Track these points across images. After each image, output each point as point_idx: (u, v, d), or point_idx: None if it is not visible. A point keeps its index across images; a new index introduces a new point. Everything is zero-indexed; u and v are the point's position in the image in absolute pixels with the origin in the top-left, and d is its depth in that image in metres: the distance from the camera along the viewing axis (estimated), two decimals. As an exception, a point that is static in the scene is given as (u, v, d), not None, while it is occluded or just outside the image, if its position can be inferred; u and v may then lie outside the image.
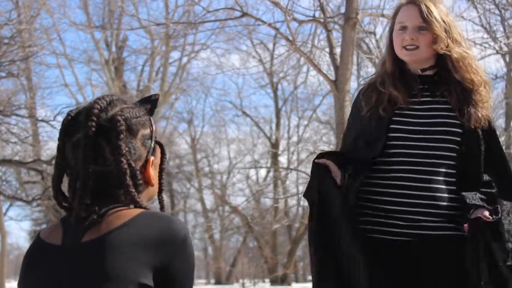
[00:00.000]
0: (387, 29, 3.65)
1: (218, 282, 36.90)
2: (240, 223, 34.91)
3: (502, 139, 26.79)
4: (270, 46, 26.52)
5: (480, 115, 3.33)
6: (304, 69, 27.24)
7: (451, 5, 21.06)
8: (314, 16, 10.24)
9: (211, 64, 26.74)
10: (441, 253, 3.24)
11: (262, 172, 35.16)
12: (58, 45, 32.05)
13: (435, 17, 3.33)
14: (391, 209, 3.25)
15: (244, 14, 9.61)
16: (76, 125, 1.97)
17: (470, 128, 3.31)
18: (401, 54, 3.38)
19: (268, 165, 31.07)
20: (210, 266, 41.47)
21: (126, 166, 1.94)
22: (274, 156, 29.83)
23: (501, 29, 22.27)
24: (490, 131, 3.38)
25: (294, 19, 10.06)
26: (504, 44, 22.78)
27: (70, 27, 26.95)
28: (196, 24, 10.69)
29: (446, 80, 3.38)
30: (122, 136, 1.95)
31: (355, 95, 3.61)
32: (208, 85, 32.19)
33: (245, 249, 38.44)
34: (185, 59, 24.99)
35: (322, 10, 10.20)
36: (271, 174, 31.44)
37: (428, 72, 3.41)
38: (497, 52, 22.28)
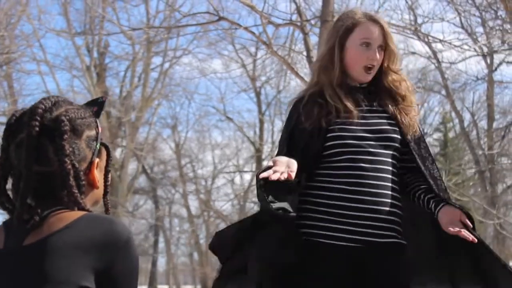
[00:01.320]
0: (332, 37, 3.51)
1: (204, 287, 36.81)
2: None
3: (484, 141, 26.90)
4: (253, 50, 26.55)
5: (413, 122, 3.44)
6: (287, 73, 27.25)
7: (432, 7, 21.16)
8: (291, 19, 10.25)
9: (194, 69, 26.71)
10: (386, 261, 3.28)
11: (247, 176, 35.18)
12: (38, 51, 31.96)
13: (392, 39, 3.43)
14: (339, 214, 3.24)
15: (221, 18, 9.61)
16: (20, 125, 1.96)
17: (408, 135, 3.41)
18: (359, 73, 3.40)
19: (253, 169, 31.08)
20: (196, 272, 41.36)
21: (69, 166, 1.93)
22: (258, 161, 29.82)
23: (482, 30, 22.39)
24: (421, 137, 3.50)
25: (271, 23, 10.08)
26: (485, 45, 22.91)
27: (51, 34, 26.83)
28: (172, 29, 10.67)
29: (379, 90, 3.46)
30: (66, 136, 1.94)
31: (290, 106, 3.53)
32: (191, 90, 32.21)
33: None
34: (167, 65, 25.00)
35: (299, 13, 10.22)
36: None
37: (363, 84, 3.47)
38: (478, 54, 22.41)
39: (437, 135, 32.48)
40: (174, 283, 38.76)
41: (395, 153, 3.37)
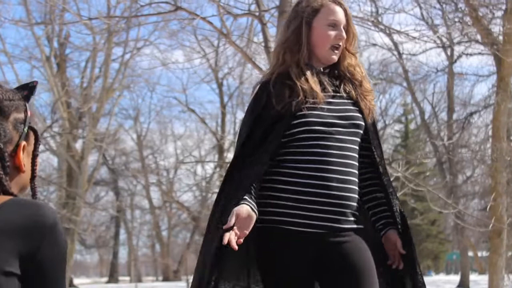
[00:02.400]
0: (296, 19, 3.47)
1: (166, 279, 36.80)
2: (187, 219, 34.87)
3: (444, 132, 27.13)
4: (215, 41, 26.47)
5: (372, 106, 3.47)
6: (249, 64, 27.20)
7: (394, 0, 21.24)
8: (249, 10, 10.21)
9: (155, 60, 26.59)
10: (357, 241, 3.30)
11: (210, 168, 35.16)
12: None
13: (352, 20, 3.47)
14: (306, 201, 3.24)
15: (178, 8, 9.54)
16: None
17: (368, 121, 3.44)
18: (326, 53, 3.39)
19: (215, 160, 31.04)
20: (158, 263, 41.32)
21: None
22: (220, 152, 29.82)
23: (442, 23, 22.55)
24: (374, 122, 3.54)
25: (229, 13, 10.03)
26: (445, 37, 23.09)
27: (9, 24, 26.49)
28: (130, 18, 10.59)
29: (340, 76, 3.47)
30: None
31: (256, 88, 3.46)
32: (153, 81, 32.08)
33: (193, 245, 38.34)
34: (128, 56, 24.85)
35: (258, 3, 10.17)
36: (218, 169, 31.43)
37: (326, 70, 3.47)
38: (438, 46, 22.59)
39: (398, 126, 32.79)
40: (136, 275, 38.64)
41: (358, 139, 3.39)
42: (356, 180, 3.33)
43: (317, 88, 3.32)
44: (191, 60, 23.54)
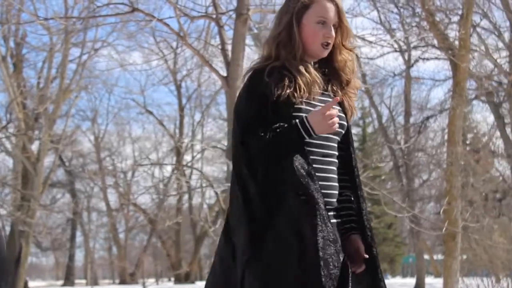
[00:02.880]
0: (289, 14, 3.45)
1: (122, 281, 36.53)
2: (145, 221, 34.70)
3: (401, 137, 27.35)
4: (174, 43, 26.38)
5: (354, 106, 3.48)
6: (206, 66, 27.14)
7: (352, 4, 21.39)
8: (206, 12, 10.19)
9: (113, 61, 26.40)
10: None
11: (167, 170, 35.01)
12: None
13: (345, 17, 3.44)
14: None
15: (134, 9, 9.48)
16: None
17: (349, 122, 3.46)
18: (318, 49, 3.38)
19: (173, 163, 30.94)
20: (115, 266, 41.03)
21: None
22: (178, 154, 29.70)
23: (400, 27, 22.73)
24: (350, 128, 3.53)
25: (186, 15, 9.99)
26: (403, 42, 23.28)
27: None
28: (86, 19, 10.50)
29: (329, 73, 3.46)
30: None
31: (249, 75, 3.39)
32: (111, 82, 31.90)
33: (150, 248, 38.18)
34: (85, 56, 24.64)
35: (215, 6, 10.15)
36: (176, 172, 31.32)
37: (316, 64, 3.45)
38: (396, 50, 22.76)
39: (356, 130, 32.94)
40: (92, 278, 38.33)
41: (339, 139, 3.40)
42: (336, 177, 3.34)
43: (314, 83, 3.31)
44: (149, 62, 23.43)
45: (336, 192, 3.35)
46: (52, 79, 24.59)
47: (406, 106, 26.26)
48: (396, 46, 22.61)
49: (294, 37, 3.37)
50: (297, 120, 3.21)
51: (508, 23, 21.13)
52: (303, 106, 3.28)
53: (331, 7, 3.39)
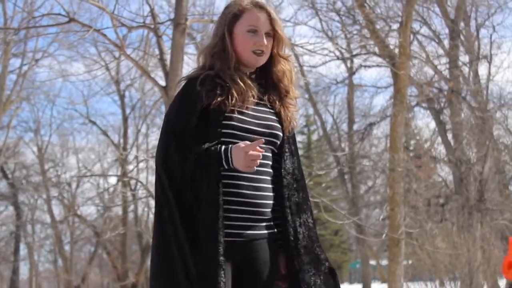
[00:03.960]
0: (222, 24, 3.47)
1: (68, 294, 36.10)
2: (90, 233, 34.38)
3: (345, 144, 27.53)
4: (117, 53, 26.17)
5: (292, 117, 3.48)
6: (145, 76, 27.00)
7: (294, 12, 21.49)
8: (144, 22, 10.14)
9: (55, 71, 26.13)
10: (263, 253, 3.32)
11: (112, 181, 34.74)
12: None
13: (280, 25, 3.43)
14: (227, 210, 3.23)
15: (71, 20, 9.39)
16: None
17: (286, 133, 3.44)
18: (250, 57, 3.38)
19: (118, 173, 30.67)
20: (60, 279, 40.51)
21: None
22: (123, 164, 29.46)
23: (342, 35, 22.90)
24: (294, 135, 3.54)
25: (124, 25, 9.93)
26: (345, 49, 23.46)
27: None
28: (25, 29, 10.37)
29: (267, 84, 3.47)
30: None
31: (183, 83, 3.42)
32: (54, 93, 31.56)
33: (96, 260, 37.82)
34: (26, 67, 24.36)
35: (153, 16, 10.11)
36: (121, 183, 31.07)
37: (253, 74, 3.46)
38: (338, 58, 22.91)
39: (301, 137, 33.09)
40: (37, 291, 37.82)
41: (274, 149, 3.40)
42: (270, 186, 3.34)
43: (247, 92, 3.31)
44: (91, 71, 23.21)
45: (269, 202, 3.34)
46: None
47: (349, 113, 26.49)
48: (338, 54, 22.77)
49: (227, 48, 3.37)
50: (222, 148, 3.21)
51: (447, 30, 21.43)
52: (235, 115, 3.28)
53: (262, 15, 3.39)
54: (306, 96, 27.39)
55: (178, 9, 9.65)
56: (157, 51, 13.88)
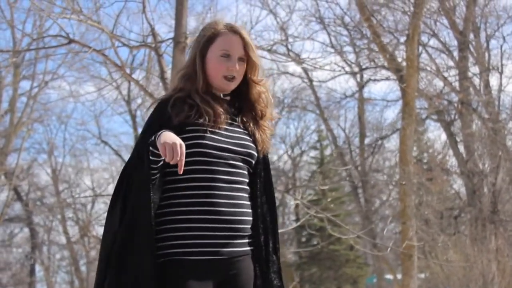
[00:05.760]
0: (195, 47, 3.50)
1: (85, 315, 36.10)
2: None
3: (356, 159, 27.42)
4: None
5: (267, 139, 3.51)
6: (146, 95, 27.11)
7: (303, 28, 21.48)
8: (144, 41, 10.18)
9: (66, 93, 26.28)
10: (248, 270, 3.35)
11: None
12: None
13: (253, 49, 3.43)
14: (198, 228, 3.23)
15: (71, 41, 9.44)
16: None
17: (260, 154, 3.47)
18: (220, 81, 3.38)
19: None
20: (76, 300, 40.58)
21: None
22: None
23: (351, 49, 22.91)
24: (266, 158, 3.55)
25: (125, 45, 9.98)
26: (355, 64, 23.46)
27: None
28: (21, 52, 10.43)
29: (242, 105, 3.49)
30: None
31: (154, 106, 3.46)
32: (66, 114, 31.71)
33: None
34: (36, 89, 24.50)
35: (153, 35, 10.14)
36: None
37: (226, 97, 3.46)
38: (347, 73, 22.92)
39: (313, 153, 32.99)
40: (54, 312, 37.89)
41: (250, 168, 3.42)
42: (248, 203, 3.35)
43: (217, 112, 3.32)
44: (102, 93, 23.32)
45: (247, 218, 3.35)
46: (3, 113, 24.39)
47: (361, 127, 26.40)
48: (347, 68, 22.78)
49: (197, 71, 3.38)
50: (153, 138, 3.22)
51: (456, 42, 21.37)
52: (207, 134, 3.29)
53: (236, 39, 3.40)
54: (317, 111, 27.37)
55: (177, 27, 9.70)
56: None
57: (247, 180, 3.39)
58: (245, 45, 3.40)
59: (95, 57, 16.34)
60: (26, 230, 35.73)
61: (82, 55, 12.42)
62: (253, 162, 3.43)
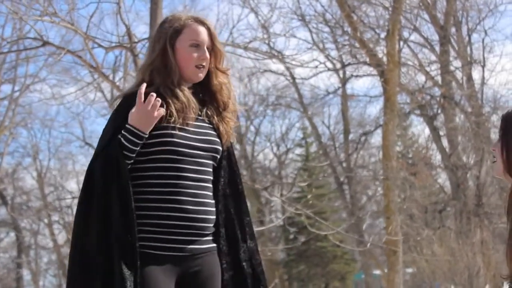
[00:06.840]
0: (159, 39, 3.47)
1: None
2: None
3: (341, 154, 27.43)
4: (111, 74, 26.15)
5: (230, 131, 3.50)
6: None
7: (284, 26, 21.46)
8: (119, 42, 10.13)
9: (48, 95, 26.09)
10: (210, 266, 3.37)
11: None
12: None
13: (217, 39, 3.47)
14: (163, 224, 3.26)
15: (45, 43, 9.39)
16: None
17: (224, 146, 3.48)
18: (192, 71, 3.39)
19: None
20: (65, 303, 40.51)
21: None
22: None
23: (333, 46, 22.86)
24: (231, 147, 3.57)
25: (100, 46, 9.93)
26: (337, 60, 23.43)
27: None
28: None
29: (204, 98, 3.48)
30: None
31: (119, 100, 3.42)
32: (49, 117, 31.58)
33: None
34: (18, 93, 24.34)
35: (129, 35, 10.10)
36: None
37: (192, 89, 3.45)
38: (329, 69, 22.90)
39: (299, 150, 32.97)
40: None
41: (214, 163, 3.43)
42: (213, 201, 3.38)
43: (189, 108, 3.32)
44: (82, 92, 23.19)
45: (211, 217, 3.36)
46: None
47: (345, 124, 26.39)
48: (329, 64, 22.74)
49: (170, 63, 3.37)
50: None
51: (437, 37, 21.38)
52: (175, 132, 3.29)
53: (203, 30, 3.42)
54: (301, 109, 27.35)
55: (153, 27, 9.63)
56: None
57: (212, 178, 3.41)
58: (211, 35, 3.43)
59: (76, 59, 16.24)
60: (12, 234, 35.57)
61: (62, 58, 12.33)
62: (219, 157, 3.44)
